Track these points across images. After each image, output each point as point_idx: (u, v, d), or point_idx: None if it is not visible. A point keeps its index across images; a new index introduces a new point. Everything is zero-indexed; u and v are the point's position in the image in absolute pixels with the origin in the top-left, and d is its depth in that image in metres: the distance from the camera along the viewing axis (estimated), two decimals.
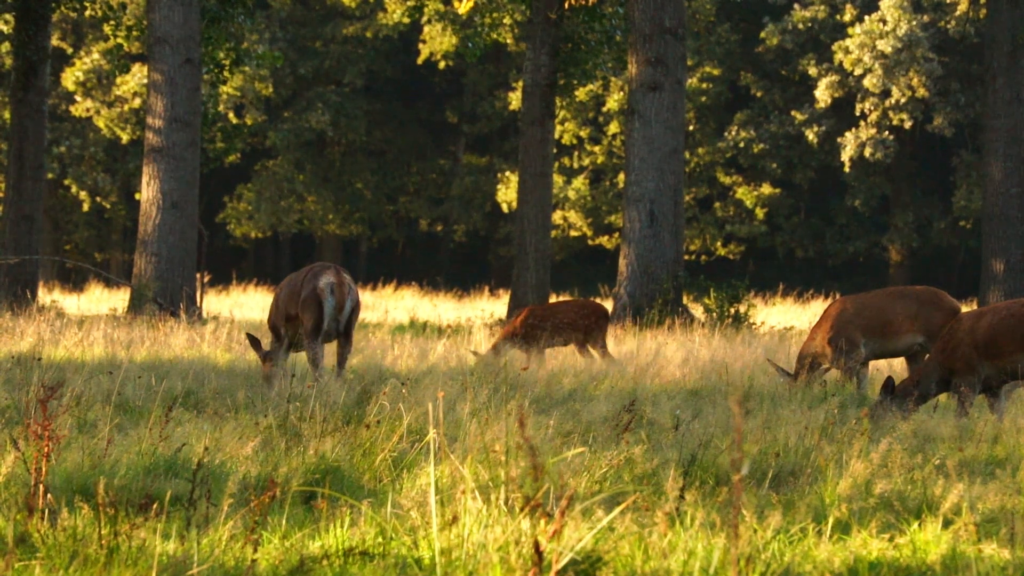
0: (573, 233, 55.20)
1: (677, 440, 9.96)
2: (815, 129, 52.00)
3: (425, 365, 17.34)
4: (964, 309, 15.06)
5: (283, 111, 56.14)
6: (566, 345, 18.84)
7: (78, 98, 51.17)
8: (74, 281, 49.70)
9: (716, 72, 54.16)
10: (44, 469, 6.84)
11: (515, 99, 52.79)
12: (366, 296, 40.47)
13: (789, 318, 31.07)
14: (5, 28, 34.52)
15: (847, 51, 50.43)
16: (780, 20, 53.64)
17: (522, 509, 5.95)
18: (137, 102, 49.02)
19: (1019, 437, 10.43)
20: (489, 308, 36.33)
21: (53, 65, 46.28)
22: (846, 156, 50.86)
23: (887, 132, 51.38)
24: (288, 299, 14.22)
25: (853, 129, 51.32)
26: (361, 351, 18.57)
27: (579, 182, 54.26)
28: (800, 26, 52.88)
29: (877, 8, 51.29)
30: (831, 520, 7.19)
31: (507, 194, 51.83)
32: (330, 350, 15.30)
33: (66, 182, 53.55)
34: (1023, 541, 6.83)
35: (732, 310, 26.64)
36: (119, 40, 32.23)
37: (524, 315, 18.75)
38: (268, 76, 52.15)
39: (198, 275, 28.08)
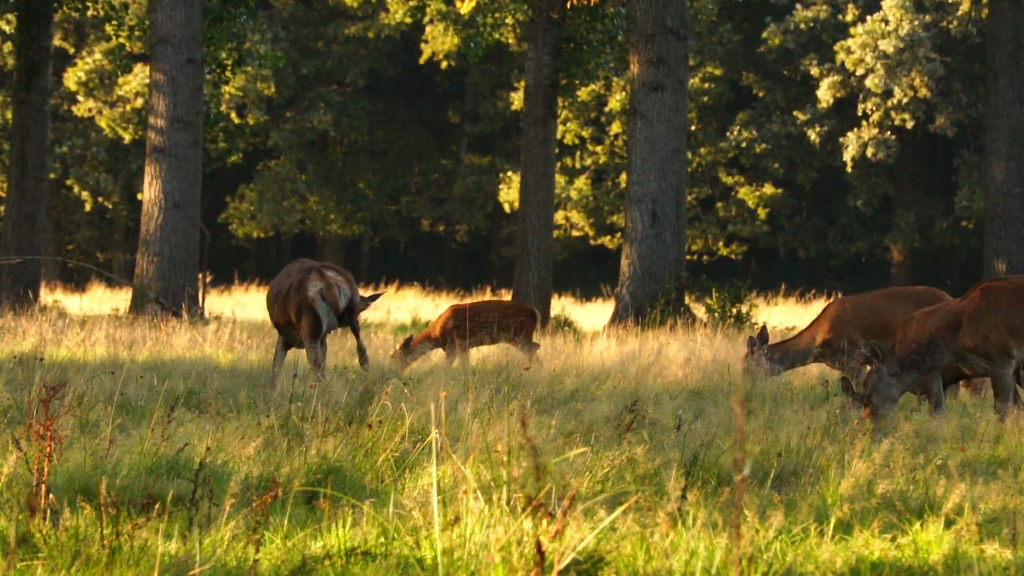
0: (575, 233, 55.21)
1: (679, 440, 9.95)
2: (817, 129, 52.00)
3: (427, 365, 17.35)
4: None
5: (285, 111, 56.16)
6: (493, 344, 18.74)
7: (80, 98, 51.20)
8: (76, 281, 49.70)
9: (718, 72, 54.17)
10: (46, 469, 6.84)
11: (517, 99, 52.80)
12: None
13: (791, 318, 31.05)
14: (7, 28, 34.55)
15: (849, 51, 50.44)
16: (782, 20, 53.64)
17: (524, 509, 5.95)
18: (139, 102, 49.05)
19: (1021, 437, 10.42)
20: None
21: (55, 65, 46.28)
22: (848, 156, 50.87)
23: (889, 132, 51.38)
24: (273, 304, 14.10)
25: (855, 129, 51.33)
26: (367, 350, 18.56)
27: (581, 182, 54.27)
28: (802, 26, 52.89)
29: (879, 8, 51.29)
30: (833, 520, 7.19)
31: (509, 194, 51.84)
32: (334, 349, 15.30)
33: (68, 182, 53.57)
34: None
35: (734, 310, 26.65)
36: (121, 40, 32.25)
37: (447, 315, 18.60)
38: (270, 76, 52.17)
39: (200, 275, 28.09)
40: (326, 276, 13.69)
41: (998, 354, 11.92)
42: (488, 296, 42.92)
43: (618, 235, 52.82)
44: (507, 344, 18.51)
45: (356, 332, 13.77)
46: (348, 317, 13.79)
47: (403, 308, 34.68)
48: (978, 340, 11.93)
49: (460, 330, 18.20)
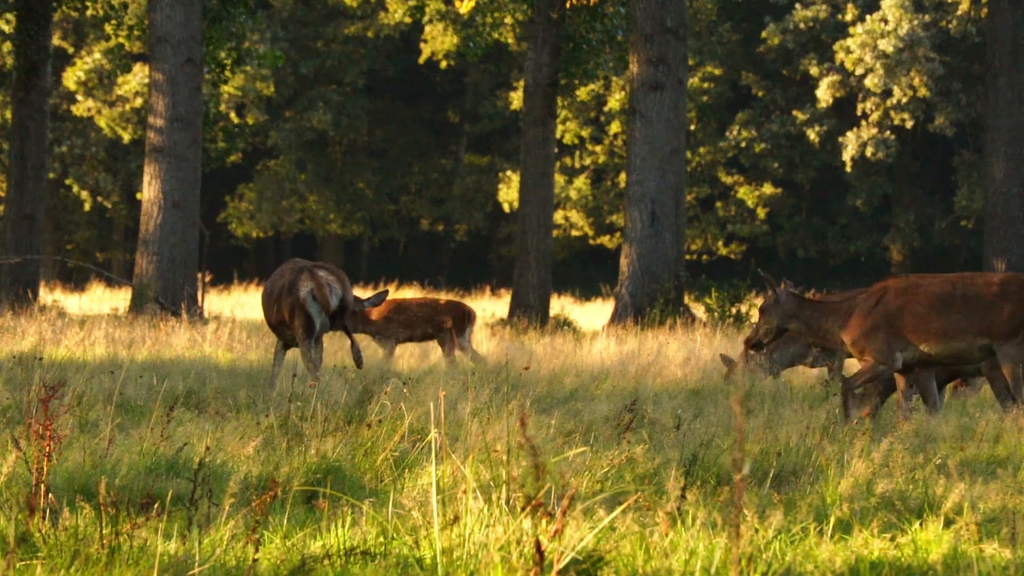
0: (575, 233, 55.21)
1: (678, 440, 9.96)
2: (816, 129, 52.00)
3: (426, 365, 17.36)
4: None
5: (284, 111, 56.15)
6: (422, 341, 18.64)
7: (79, 98, 51.19)
8: (75, 281, 49.71)
9: (717, 72, 54.17)
10: (45, 469, 6.84)
11: (516, 99, 52.80)
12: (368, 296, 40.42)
13: None
14: (7, 28, 34.54)
15: (848, 51, 50.44)
16: (781, 20, 53.64)
17: (523, 509, 5.95)
18: (139, 102, 49.05)
19: (1020, 437, 10.43)
20: (490, 308, 36.33)
21: (54, 65, 46.32)
22: (847, 156, 50.87)
23: (888, 132, 51.38)
24: (267, 304, 14.12)
25: (854, 129, 51.33)
26: (362, 350, 18.56)
27: (580, 182, 54.26)
28: (801, 26, 52.88)
29: (878, 7, 51.29)
30: (832, 520, 7.19)
31: (508, 194, 51.84)
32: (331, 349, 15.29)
33: (67, 182, 53.57)
34: None
35: (733, 310, 26.66)
36: (120, 40, 32.26)
37: (383, 307, 18.42)
38: (269, 76, 52.16)
39: (199, 275, 28.09)
40: (317, 276, 13.67)
41: (874, 351, 11.90)
42: (487, 296, 42.92)
43: (617, 235, 52.82)
44: (440, 345, 18.41)
45: (348, 332, 13.76)
46: (340, 317, 13.78)
47: None
48: (857, 334, 11.96)
49: (392, 324, 18.10)
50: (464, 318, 18.45)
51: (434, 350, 18.96)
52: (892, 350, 11.88)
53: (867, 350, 11.94)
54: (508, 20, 34.48)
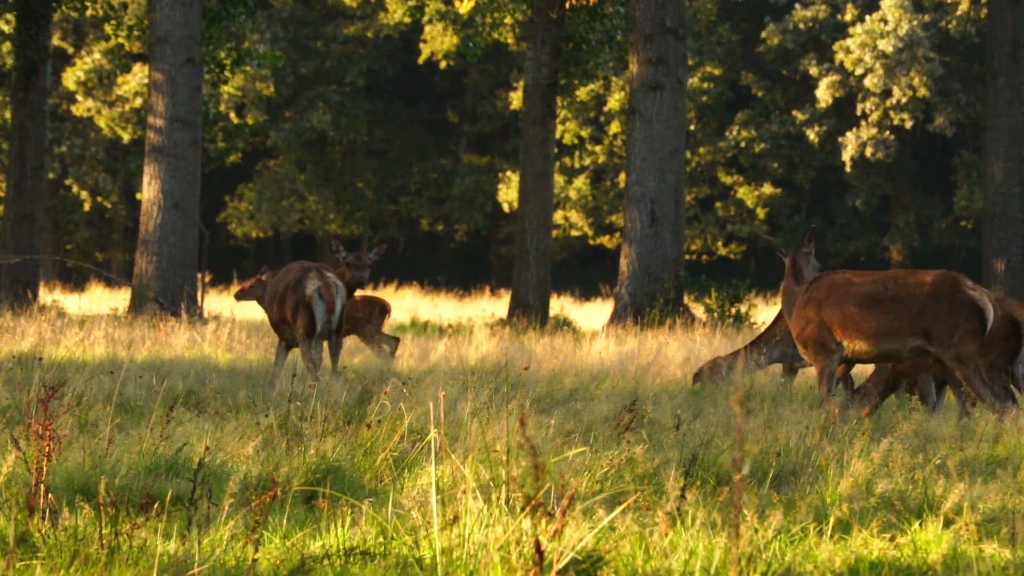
0: (574, 233, 55.21)
1: (678, 440, 9.95)
2: (816, 129, 52.00)
3: (426, 365, 17.34)
4: None
5: (284, 111, 56.15)
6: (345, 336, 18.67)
7: (79, 98, 51.19)
8: (75, 281, 49.71)
9: (717, 72, 54.17)
10: (45, 469, 6.84)
11: (516, 99, 52.79)
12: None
13: None
14: (6, 28, 34.54)
15: (848, 51, 50.45)
16: (781, 20, 53.64)
17: (523, 509, 5.95)
18: (138, 102, 49.05)
19: (1020, 437, 10.42)
20: (490, 308, 36.32)
21: (54, 65, 46.28)
22: (847, 156, 50.88)
23: (888, 132, 51.38)
24: (270, 303, 14.15)
25: (854, 129, 51.34)
26: (362, 350, 18.58)
27: (580, 182, 54.26)
28: (801, 26, 52.89)
29: (878, 8, 51.30)
30: (832, 520, 7.19)
31: (508, 194, 51.83)
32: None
33: (67, 182, 53.56)
34: None
35: (733, 310, 26.66)
36: (120, 40, 32.24)
37: None
38: (269, 76, 52.15)
39: (199, 275, 28.09)
40: (325, 276, 13.77)
41: (814, 347, 11.87)
42: (486, 296, 42.91)
43: (617, 235, 52.80)
44: (361, 338, 18.41)
45: (338, 346, 13.81)
46: (338, 322, 13.83)
47: (402, 308, 34.65)
48: (797, 329, 11.95)
49: None
50: (382, 310, 18.49)
51: (433, 350, 18.94)
52: (829, 343, 11.79)
53: (808, 345, 11.90)
54: (508, 20, 34.49)
